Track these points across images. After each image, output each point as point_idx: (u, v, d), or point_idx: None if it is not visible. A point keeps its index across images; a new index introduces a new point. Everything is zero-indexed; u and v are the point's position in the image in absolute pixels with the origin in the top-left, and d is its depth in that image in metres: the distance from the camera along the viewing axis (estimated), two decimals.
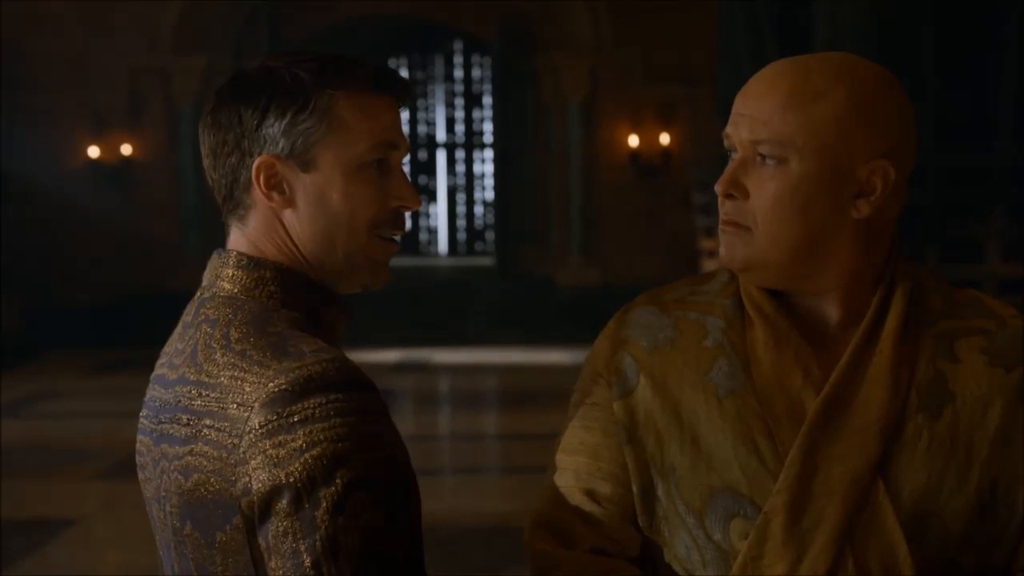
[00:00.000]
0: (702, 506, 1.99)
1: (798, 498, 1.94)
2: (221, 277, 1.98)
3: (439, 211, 28.39)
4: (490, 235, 26.18)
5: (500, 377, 14.57)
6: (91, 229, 17.08)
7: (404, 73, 27.84)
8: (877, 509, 1.94)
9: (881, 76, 1.99)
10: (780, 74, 1.99)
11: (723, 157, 2.04)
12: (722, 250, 2.02)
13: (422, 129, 28.25)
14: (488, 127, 26.71)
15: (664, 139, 17.50)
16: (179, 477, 1.88)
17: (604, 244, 17.75)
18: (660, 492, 2.03)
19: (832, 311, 2.02)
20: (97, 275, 17.06)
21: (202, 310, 1.96)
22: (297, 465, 1.76)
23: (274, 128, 1.94)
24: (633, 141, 17.58)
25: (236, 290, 1.96)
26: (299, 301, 1.96)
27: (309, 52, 1.98)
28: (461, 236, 28.25)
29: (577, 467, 2.08)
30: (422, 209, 28.42)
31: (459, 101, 27.96)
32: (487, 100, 26.56)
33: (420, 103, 28.08)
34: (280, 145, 1.94)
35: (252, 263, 1.97)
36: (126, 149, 17.17)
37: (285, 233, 1.98)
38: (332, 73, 1.96)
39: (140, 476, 2.02)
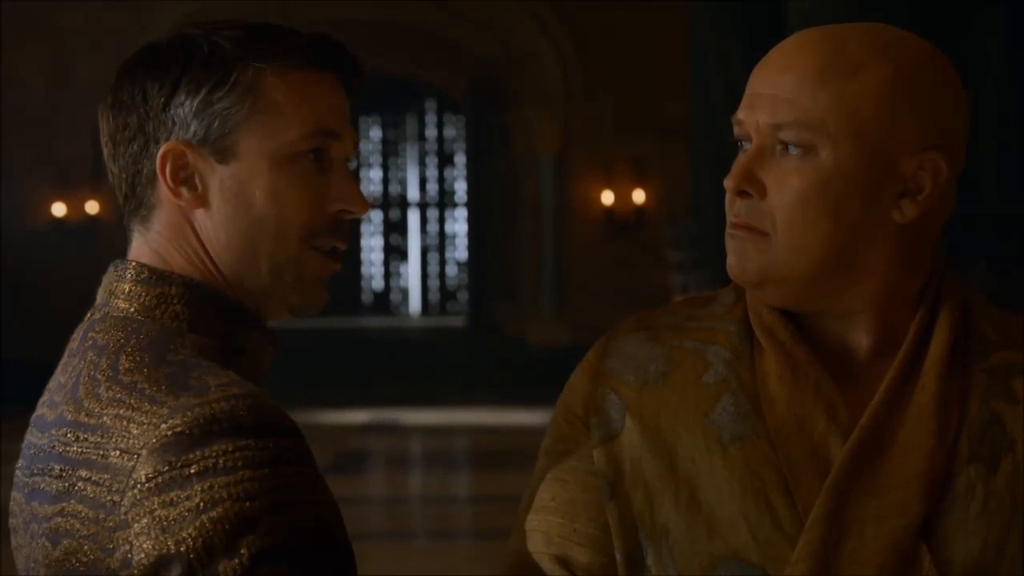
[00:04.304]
0: None
1: (822, 568, 1.58)
2: (116, 294, 1.62)
3: (411, 271, 28.42)
4: (463, 295, 26.22)
5: (471, 438, 14.43)
6: (55, 287, 16.90)
7: (376, 132, 27.88)
8: None
9: (931, 51, 1.66)
10: (809, 43, 1.65)
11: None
12: (731, 259, 1.66)
13: (394, 188, 28.32)
14: (460, 186, 26.82)
15: (638, 196, 17.49)
16: (47, 544, 1.51)
17: (577, 302, 17.77)
18: (650, 560, 1.67)
19: (862, 338, 1.66)
20: (60, 334, 16.75)
21: (90, 334, 1.60)
22: (191, 530, 1.41)
23: (185, 107, 1.60)
24: (607, 198, 17.63)
25: (133, 309, 1.60)
26: (211, 324, 1.60)
27: (237, 20, 1.64)
28: (433, 296, 28.30)
29: (548, 529, 1.72)
30: (393, 269, 28.40)
31: (431, 160, 28.09)
32: (459, 159, 26.70)
33: (392, 162, 28.17)
34: (192, 129, 1.60)
35: (154, 277, 1.61)
36: (91, 207, 17.05)
37: (196, 240, 1.62)
38: (260, 43, 1.61)
39: (12, 543, 1.64)
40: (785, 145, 1.62)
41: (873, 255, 1.64)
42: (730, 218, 1.67)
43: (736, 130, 1.67)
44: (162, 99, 1.60)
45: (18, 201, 16.81)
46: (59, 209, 17.02)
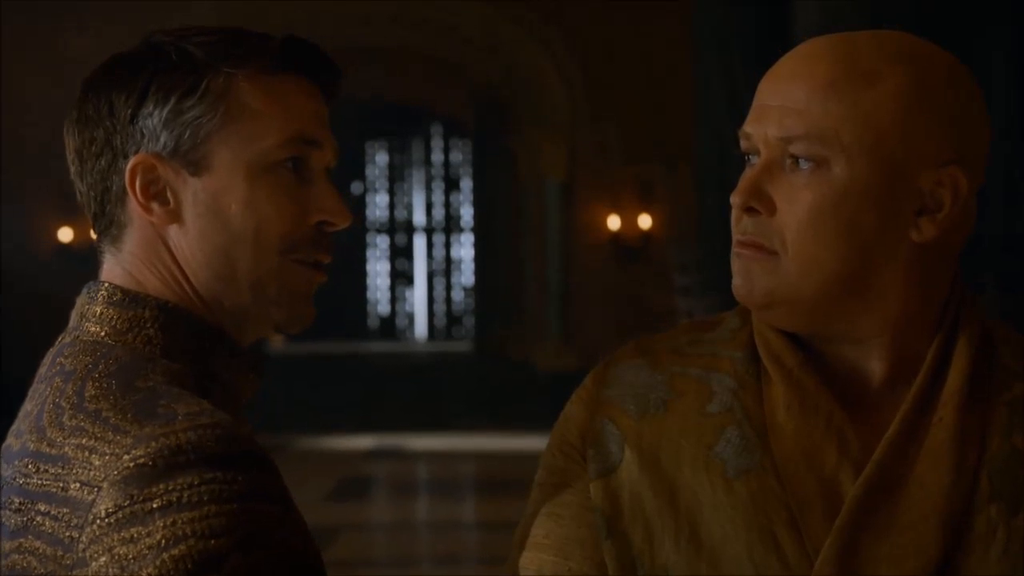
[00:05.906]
0: None
1: None
2: (87, 317, 1.54)
3: (417, 296, 28.39)
4: (469, 320, 26.21)
5: (477, 463, 14.35)
6: (63, 313, 16.83)
7: (383, 157, 27.85)
8: None
9: (949, 59, 1.56)
10: (819, 51, 1.55)
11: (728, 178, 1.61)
12: (736, 280, 1.57)
13: (400, 213, 28.32)
14: (467, 211, 26.82)
15: (644, 221, 17.43)
16: None
17: (583, 327, 17.71)
18: None
19: (876, 365, 1.56)
20: None
21: (58, 359, 1.51)
22: (151, 569, 1.31)
23: (154, 118, 1.51)
24: (614, 223, 17.55)
25: (104, 333, 1.51)
26: (186, 350, 1.51)
27: (207, 26, 1.56)
28: (439, 321, 28.27)
29: (541, 567, 1.61)
30: (399, 294, 28.34)
31: (437, 185, 28.10)
32: (466, 184, 26.70)
33: (398, 187, 28.16)
34: (161, 140, 1.51)
35: (128, 299, 1.52)
36: None
37: (171, 258, 1.54)
38: (231, 47, 1.52)
39: None
40: (795, 159, 1.53)
41: (889, 276, 1.54)
42: (736, 236, 1.57)
43: (743, 144, 1.58)
44: (129, 110, 1.52)
45: (24, 227, 16.77)
46: (65, 234, 16.98)
